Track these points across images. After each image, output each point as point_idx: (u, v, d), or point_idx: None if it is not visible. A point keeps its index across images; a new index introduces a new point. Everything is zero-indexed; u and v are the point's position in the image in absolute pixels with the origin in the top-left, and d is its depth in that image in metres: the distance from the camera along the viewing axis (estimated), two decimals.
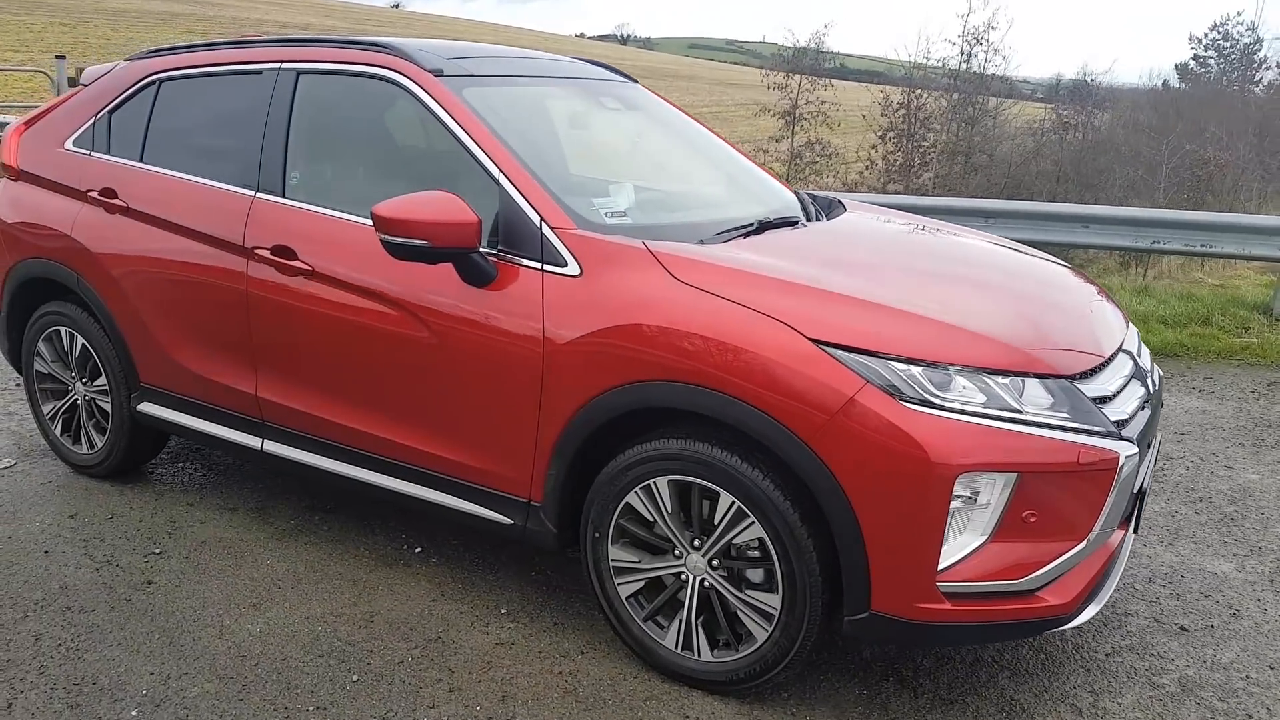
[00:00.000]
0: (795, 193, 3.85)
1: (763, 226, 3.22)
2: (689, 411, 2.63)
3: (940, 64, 20.79)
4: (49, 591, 3.25)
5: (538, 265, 2.84)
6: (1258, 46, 42.50)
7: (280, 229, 3.28)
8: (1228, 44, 45.85)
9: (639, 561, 2.82)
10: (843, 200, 3.91)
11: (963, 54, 20.49)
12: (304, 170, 3.38)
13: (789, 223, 3.34)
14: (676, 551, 2.74)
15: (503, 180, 2.93)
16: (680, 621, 2.77)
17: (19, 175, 4.12)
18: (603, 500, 2.80)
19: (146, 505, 3.91)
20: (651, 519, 2.75)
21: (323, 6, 64.39)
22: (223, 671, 2.85)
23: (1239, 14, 48.09)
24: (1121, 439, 2.48)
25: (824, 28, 22.20)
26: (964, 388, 2.40)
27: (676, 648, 2.79)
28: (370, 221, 3.08)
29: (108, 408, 3.99)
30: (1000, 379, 2.43)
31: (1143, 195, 20.33)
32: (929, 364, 2.40)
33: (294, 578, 3.37)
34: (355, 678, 2.83)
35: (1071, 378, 2.54)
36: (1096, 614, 2.62)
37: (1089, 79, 30.26)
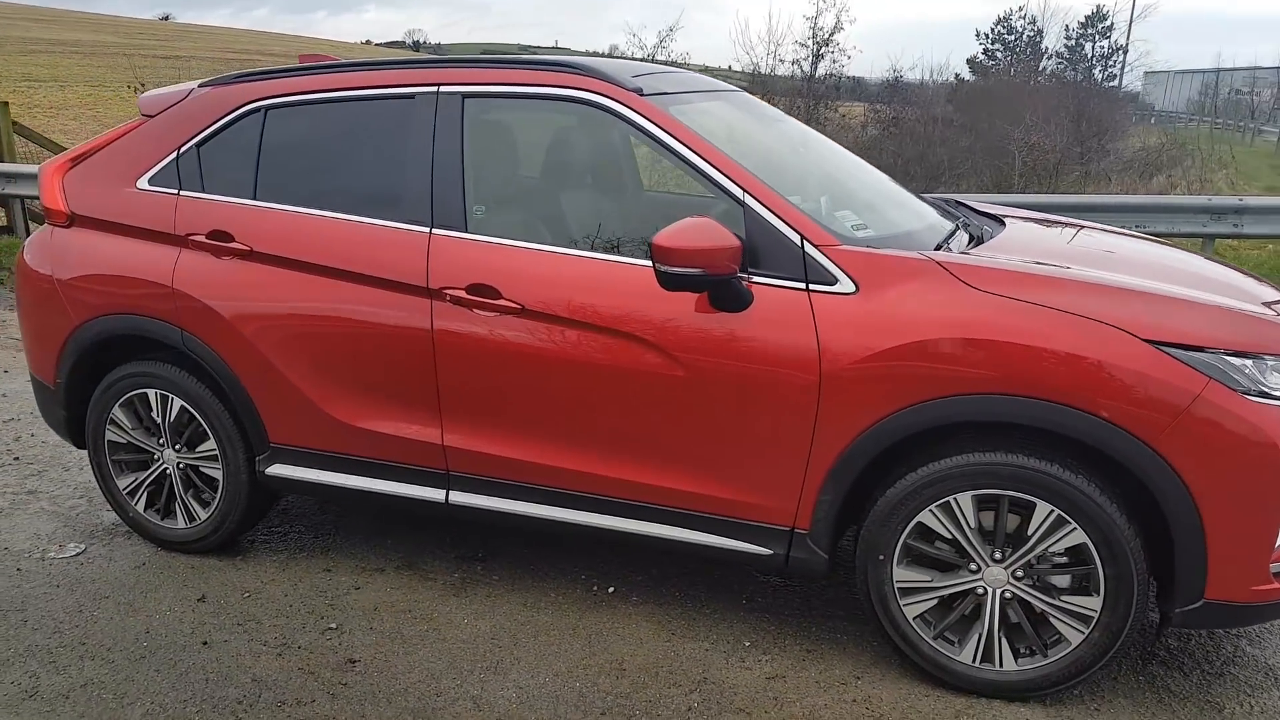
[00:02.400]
0: (920, 197, 3.89)
1: (966, 231, 3.25)
2: (991, 424, 2.63)
3: (795, 65, 21.51)
4: (244, 687, 2.89)
5: (801, 285, 2.76)
6: (1040, 38, 46.03)
7: (475, 267, 3.04)
8: (1012, 37, 49.48)
9: (929, 581, 2.79)
10: (959, 200, 3.99)
11: (811, 55, 21.29)
12: (490, 202, 3.15)
13: (972, 228, 3.38)
14: (972, 566, 2.73)
15: (749, 200, 2.82)
16: (979, 635, 2.76)
17: (72, 220, 3.64)
18: (890, 521, 2.75)
19: (278, 578, 3.54)
20: (949, 536, 2.72)
21: (91, 22, 59.69)
22: None
23: (1020, 9, 51.80)
24: None
25: (669, 31, 22.30)
26: (1277, 376, 2.51)
27: (974, 661, 2.78)
28: (590, 254, 2.96)
29: (214, 474, 3.59)
30: None
31: (969, 181, 21.68)
32: (1254, 355, 2.49)
33: (508, 634, 3.14)
34: None
35: None
36: None
37: (899, 76, 31.95)
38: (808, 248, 2.76)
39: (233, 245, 3.34)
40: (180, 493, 3.66)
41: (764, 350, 2.76)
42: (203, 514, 3.65)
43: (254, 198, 3.39)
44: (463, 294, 3.04)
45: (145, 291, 3.45)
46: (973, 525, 2.69)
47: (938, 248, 2.97)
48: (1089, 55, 46.74)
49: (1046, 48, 43.94)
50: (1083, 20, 45.99)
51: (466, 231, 3.10)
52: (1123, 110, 30.04)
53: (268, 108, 3.43)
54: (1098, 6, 44.93)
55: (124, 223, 3.53)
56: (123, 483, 3.75)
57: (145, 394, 3.59)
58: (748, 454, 2.86)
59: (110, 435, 3.70)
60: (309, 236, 3.26)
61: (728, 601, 3.34)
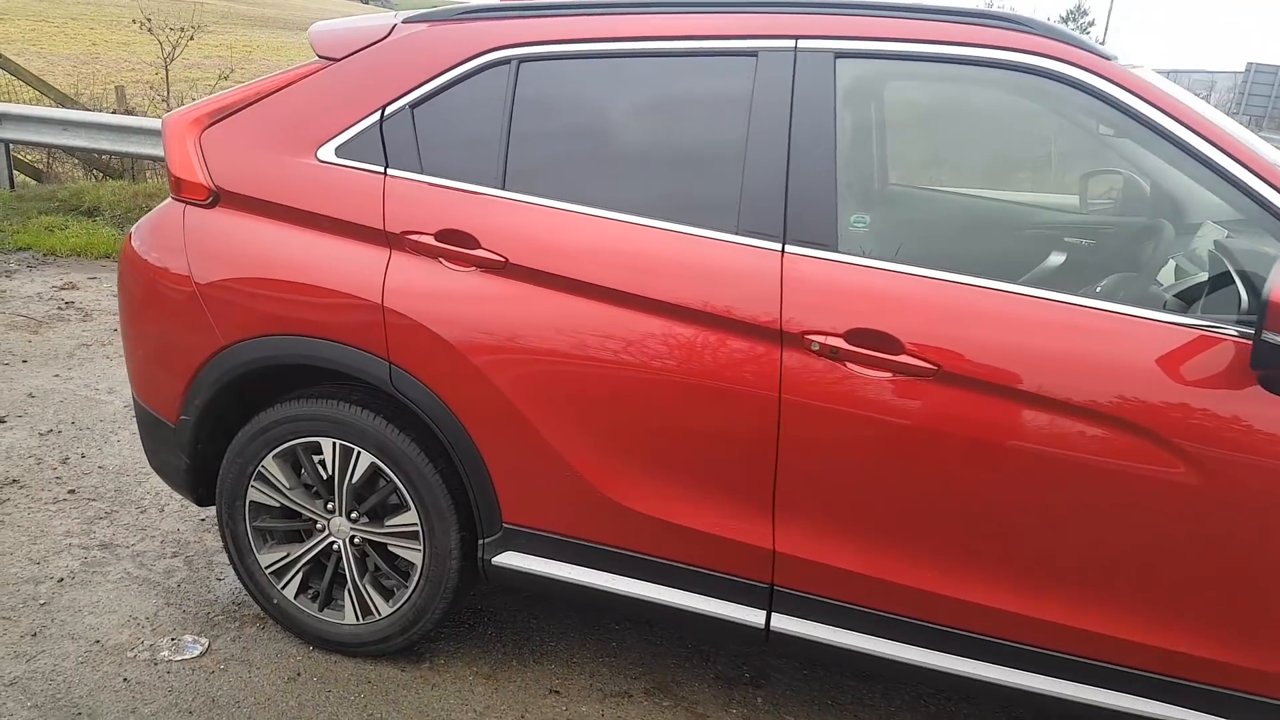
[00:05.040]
0: None
1: None
2: None
3: None
4: None
5: None
6: None
7: (860, 304, 2.12)
8: None
9: None
10: None
11: None
12: (877, 209, 2.23)
13: None
14: None
15: None
16: None
17: (216, 198, 2.63)
18: None
19: (493, 703, 2.60)
20: None
21: None
22: None
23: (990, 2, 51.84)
24: None
25: None
26: None
27: None
28: (1047, 294, 2.07)
29: (408, 555, 2.63)
30: None
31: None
32: None
33: None
34: None
35: None
36: None
37: None
38: None
39: (478, 253, 2.36)
40: (354, 576, 2.69)
41: None
42: (384, 607, 2.68)
43: (502, 187, 2.42)
44: (840, 343, 2.12)
45: (338, 305, 2.47)
46: None
47: None
48: None
49: None
50: (1063, 15, 45.99)
51: (838, 250, 2.18)
52: None
53: (520, 59, 2.45)
54: (1079, 3, 44.95)
55: (300, 207, 2.53)
56: (267, 559, 2.76)
57: (315, 443, 2.61)
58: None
59: (255, 495, 2.71)
60: (595, 248, 2.31)
61: None
